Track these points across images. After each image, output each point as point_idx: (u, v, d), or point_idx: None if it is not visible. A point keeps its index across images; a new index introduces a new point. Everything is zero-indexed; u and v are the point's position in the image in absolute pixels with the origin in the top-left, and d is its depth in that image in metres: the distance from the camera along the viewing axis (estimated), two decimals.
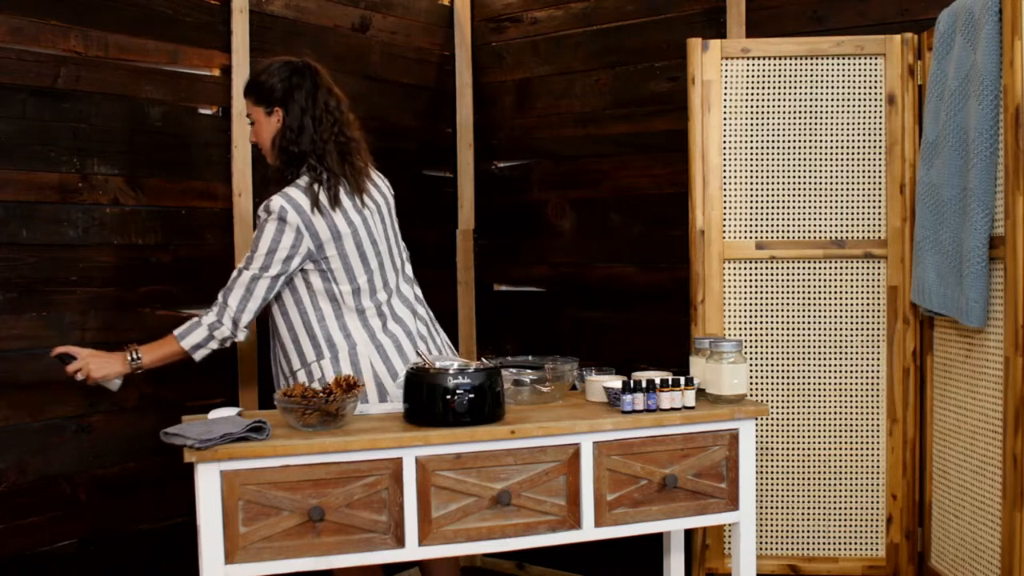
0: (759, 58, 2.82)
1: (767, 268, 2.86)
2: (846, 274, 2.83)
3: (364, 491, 2.09)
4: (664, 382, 2.34)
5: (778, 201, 2.85)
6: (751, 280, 2.87)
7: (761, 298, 2.86)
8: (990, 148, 2.35)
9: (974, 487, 2.51)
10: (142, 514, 2.72)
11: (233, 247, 2.92)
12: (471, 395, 2.17)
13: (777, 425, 2.87)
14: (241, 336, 2.48)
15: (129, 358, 2.41)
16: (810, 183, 2.84)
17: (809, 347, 2.85)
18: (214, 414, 2.23)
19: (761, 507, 2.86)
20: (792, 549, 2.88)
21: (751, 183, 2.85)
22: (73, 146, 2.56)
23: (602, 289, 3.45)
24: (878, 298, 2.82)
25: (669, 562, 2.74)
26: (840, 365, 2.84)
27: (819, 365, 2.85)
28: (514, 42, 3.63)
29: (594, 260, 3.46)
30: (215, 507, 1.99)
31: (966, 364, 2.55)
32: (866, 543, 2.85)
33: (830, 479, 2.85)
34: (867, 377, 2.83)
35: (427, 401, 2.17)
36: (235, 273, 2.47)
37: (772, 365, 2.87)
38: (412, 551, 2.12)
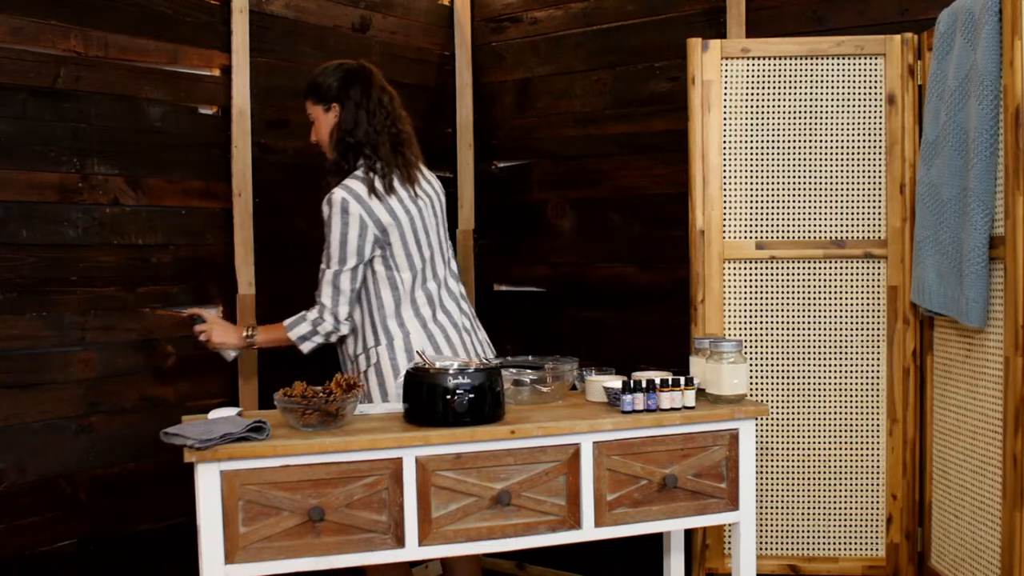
0: (759, 58, 2.82)
1: (767, 268, 2.86)
2: (846, 274, 2.83)
3: (364, 491, 2.09)
4: (664, 382, 2.34)
5: (778, 201, 2.85)
6: (751, 280, 2.87)
7: (761, 298, 2.86)
8: (990, 148, 2.35)
9: (974, 487, 2.51)
10: (142, 514, 2.72)
11: (233, 247, 2.92)
12: (471, 395, 2.17)
13: (777, 425, 2.87)
14: (345, 329, 2.65)
15: (245, 333, 2.66)
16: (810, 183, 2.84)
17: (809, 347, 2.85)
18: (214, 414, 2.23)
19: (761, 507, 2.86)
20: (792, 549, 2.88)
21: (751, 183, 2.85)
22: (73, 146, 2.56)
23: (602, 289, 3.45)
24: (878, 298, 2.82)
25: (669, 562, 2.74)
26: (840, 365, 2.84)
27: (819, 365, 2.85)
28: (514, 42, 3.63)
29: (594, 260, 3.46)
30: (215, 507, 1.99)
31: (966, 364, 2.55)
32: (866, 543, 2.85)
33: (830, 479, 2.85)
34: (867, 377, 2.83)
35: (427, 401, 2.17)
36: (320, 273, 2.64)
37: (772, 365, 2.87)
38: (412, 551, 2.12)
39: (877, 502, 2.83)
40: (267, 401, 2.90)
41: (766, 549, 2.88)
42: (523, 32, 3.60)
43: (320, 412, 2.12)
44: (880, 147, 2.80)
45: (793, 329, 2.86)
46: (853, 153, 2.82)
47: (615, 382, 2.43)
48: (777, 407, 2.86)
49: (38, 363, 2.50)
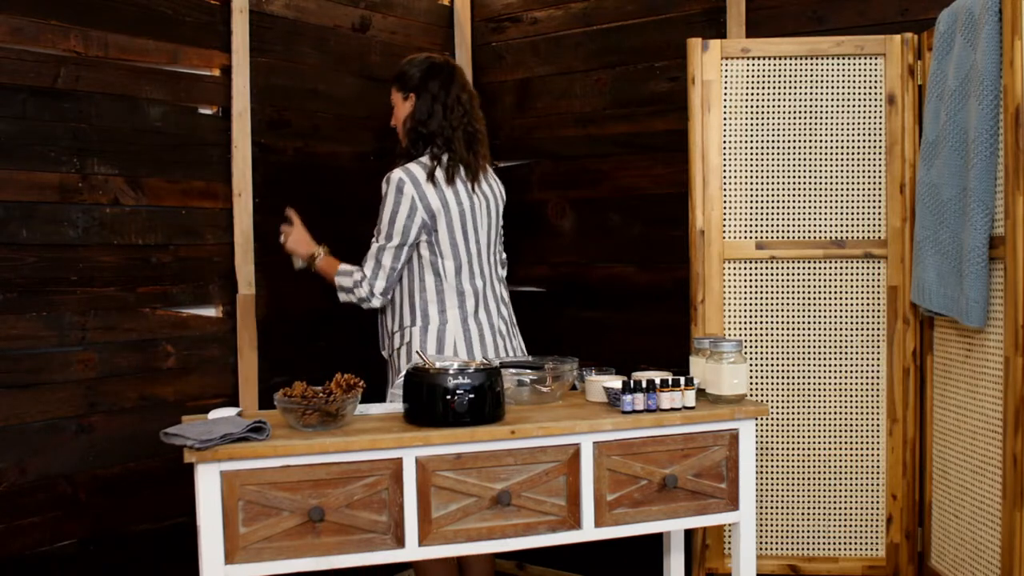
0: (759, 58, 2.82)
1: (767, 268, 2.86)
2: (846, 274, 2.83)
3: (364, 491, 2.09)
4: (664, 382, 2.34)
5: (778, 201, 2.85)
6: (751, 280, 2.87)
7: (761, 298, 2.86)
8: (990, 148, 2.35)
9: (974, 487, 2.51)
10: (142, 514, 2.72)
11: (233, 247, 2.92)
12: (471, 395, 2.17)
13: (777, 425, 2.87)
14: (376, 303, 2.76)
15: (314, 253, 2.84)
16: (810, 183, 2.84)
17: (809, 347, 2.85)
18: (214, 414, 2.23)
19: (761, 507, 2.86)
20: (792, 549, 2.88)
21: (751, 183, 2.85)
22: (73, 146, 2.56)
23: (602, 289, 3.45)
24: (878, 298, 2.82)
25: (669, 562, 2.74)
26: (840, 365, 2.84)
27: (819, 365, 2.85)
28: (514, 42, 3.63)
29: (594, 260, 3.46)
30: (215, 507, 1.99)
31: (966, 364, 2.55)
32: (866, 543, 2.85)
33: (830, 479, 2.85)
34: (867, 377, 2.83)
35: (427, 401, 2.17)
36: (370, 244, 2.76)
37: (772, 365, 2.87)
38: (412, 551, 2.13)
39: (877, 502, 2.83)
40: (267, 401, 2.90)
41: (766, 549, 2.88)
42: (523, 32, 3.60)
43: (320, 412, 2.12)
44: (880, 147, 2.80)
45: (793, 329, 2.86)
46: (853, 153, 2.82)
47: (615, 382, 2.43)
48: (777, 407, 2.86)
49: (38, 363, 2.50)
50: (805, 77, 2.82)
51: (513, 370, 2.47)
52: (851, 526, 2.85)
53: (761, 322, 2.87)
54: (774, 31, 3.04)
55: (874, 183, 2.81)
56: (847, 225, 2.83)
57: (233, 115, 2.91)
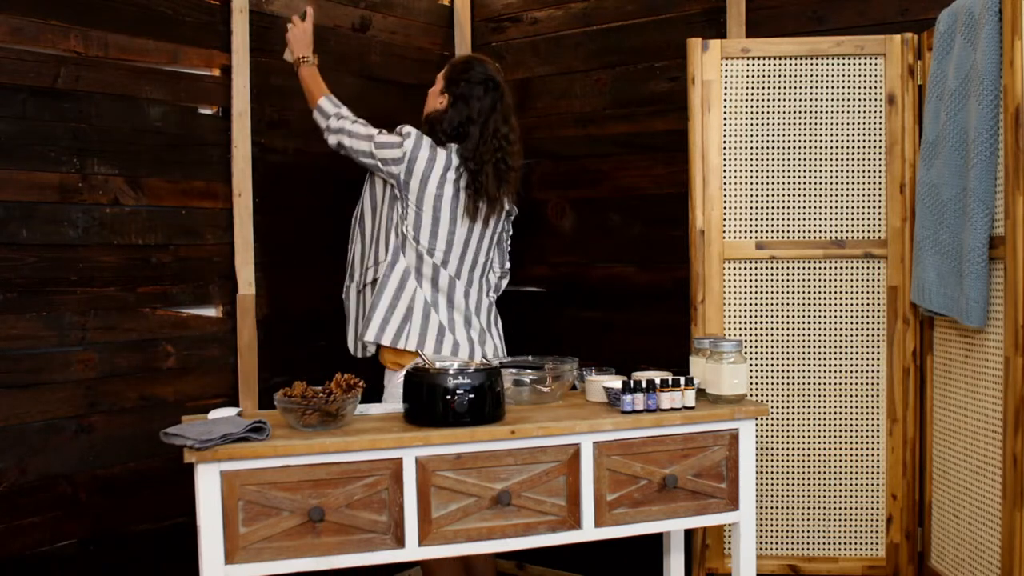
0: (759, 58, 2.82)
1: (767, 268, 2.86)
2: (846, 274, 2.83)
3: (364, 491, 2.09)
4: (664, 382, 2.34)
5: (778, 201, 2.85)
6: (751, 280, 2.87)
7: (761, 298, 2.86)
8: (990, 148, 2.35)
9: (974, 487, 2.51)
10: (142, 514, 2.72)
11: (233, 247, 2.92)
12: (471, 395, 2.17)
13: (777, 425, 2.87)
14: (333, 141, 2.79)
15: (305, 56, 2.85)
16: (810, 183, 2.84)
17: (809, 347, 2.85)
18: (214, 414, 2.23)
19: (761, 507, 2.86)
20: (792, 549, 2.88)
21: (751, 183, 2.85)
22: (73, 146, 2.56)
23: (602, 289, 3.45)
24: (878, 298, 2.82)
25: (669, 562, 2.74)
26: (840, 365, 2.84)
27: (819, 365, 2.85)
28: (514, 42, 3.63)
29: (594, 260, 3.46)
30: (215, 507, 1.99)
31: (966, 364, 2.55)
32: (866, 543, 2.85)
33: (830, 479, 2.85)
34: (867, 377, 2.83)
35: (427, 401, 2.17)
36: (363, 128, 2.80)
37: (772, 365, 2.87)
38: (412, 551, 2.13)
39: (877, 502, 2.83)
40: (267, 401, 2.90)
41: (766, 549, 2.88)
42: (523, 32, 3.60)
43: (320, 412, 2.12)
44: (880, 147, 2.80)
45: (793, 329, 2.86)
46: (853, 153, 2.82)
47: (615, 382, 2.43)
48: (777, 407, 2.86)
49: (38, 363, 2.50)
50: (805, 77, 2.82)
51: (513, 370, 2.47)
52: (851, 526, 2.85)
53: (761, 322, 2.87)
54: (774, 31, 3.04)
55: (874, 183, 2.81)
56: (847, 225, 2.83)
57: (233, 115, 2.90)
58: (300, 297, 3.13)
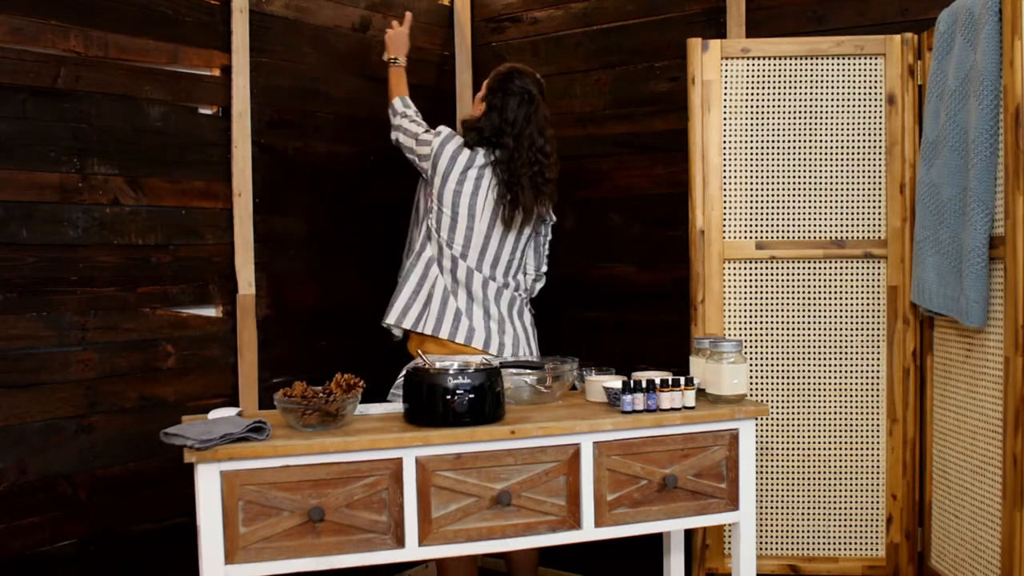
0: (759, 58, 2.82)
1: (767, 268, 2.86)
2: (846, 274, 2.83)
3: (364, 491, 2.09)
4: (664, 382, 2.34)
5: (778, 201, 2.85)
6: (751, 280, 2.87)
7: (761, 298, 2.86)
8: (990, 148, 2.35)
9: (974, 487, 2.51)
10: (142, 514, 2.72)
11: (233, 247, 2.92)
12: (471, 395, 2.17)
13: (777, 425, 2.87)
14: (394, 136, 3.01)
15: (396, 58, 3.11)
16: (810, 183, 2.84)
17: (809, 347, 2.85)
18: (214, 414, 2.23)
19: (761, 507, 2.86)
20: (792, 549, 2.88)
21: (751, 183, 2.85)
22: (73, 146, 2.56)
23: (602, 289, 3.45)
24: (878, 298, 2.82)
25: (669, 562, 2.74)
26: (840, 365, 2.84)
27: (819, 365, 2.85)
28: (514, 42, 3.63)
29: (594, 260, 3.45)
30: (215, 507, 1.99)
31: (966, 364, 2.55)
32: (866, 543, 2.85)
33: (830, 479, 2.85)
34: (867, 377, 2.83)
35: (427, 401, 2.17)
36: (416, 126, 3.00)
37: (772, 365, 2.87)
38: (412, 551, 2.13)
39: (877, 502, 2.83)
40: (267, 401, 2.90)
41: (766, 549, 2.88)
42: (523, 32, 3.60)
43: (320, 412, 2.12)
44: (880, 147, 2.80)
45: (793, 329, 2.86)
46: (853, 153, 2.82)
47: (615, 382, 2.43)
48: (777, 407, 2.86)
49: (38, 363, 2.50)
50: (805, 77, 2.82)
51: (513, 370, 2.47)
52: (851, 526, 2.85)
53: (761, 322, 2.87)
54: (774, 31, 3.04)
55: (874, 183, 2.81)
56: (847, 225, 2.83)
57: (233, 115, 2.90)
58: (300, 297, 3.13)
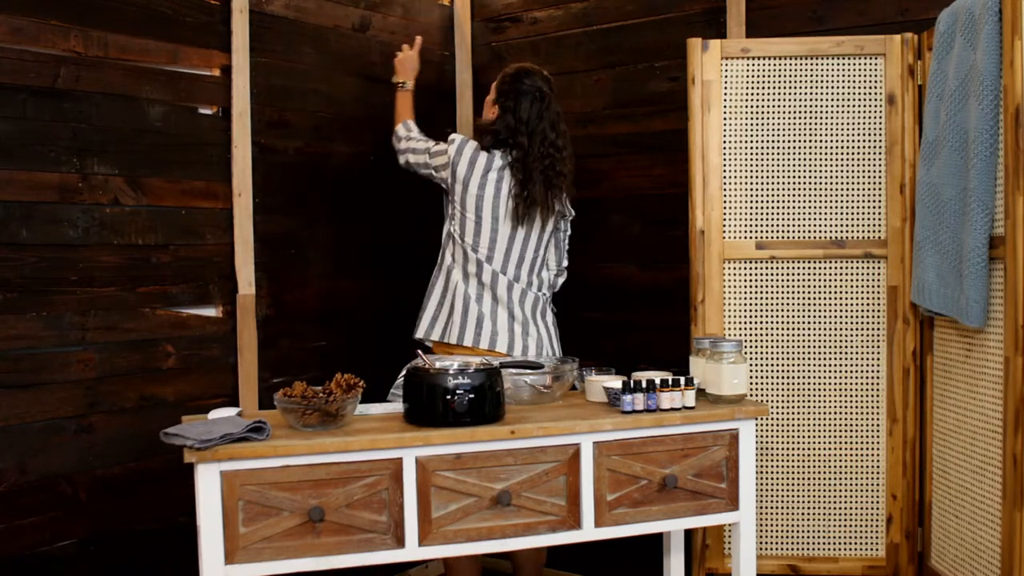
0: (759, 58, 2.82)
1: (767, 268, 2.86)
2: (846, 274, 2.83)
3: (364, 491, 2.09)
4: (664, 382, 2.34)
5: (778, 201, 2.85)
6: (751, 280, 2.87)
7: (761, 298, 2.86)
8: (990, 148, 2.35)
9: (974, 487, 2.51)
10: (143, 514, 2.72)
11: (233, 247, 2.92)
12: (471, 395, 2.17)
13: (777, 425, 2.87)
14: (402, 160, 3.03)
15: (404, 82, 3.13)
16: (810, 183, 2.84)
17: (809, 347, 2.85)
18: (214, 414, 2.23)
19: (761, 507, 2.86)
20: (792, 549, 2.88)
21: (751, 183, 2.85)
22: (73, 146, 2.56)
23: (602, 289, 3.45)
24: (878, 298, 2.82)
25: (669, 562, 2.74)
26: (840, 365, 2.84)
27: (819, 365, 2.85)
28: (514, 42, 3.63)
29: (594, 260, 3.45)
30: (215, 507, 1.99)
31: (966, 364, 2.55)
32: (866, 543, 2.85)
33: (830, 479, 2.85)
34: (867, 377, 2.83)
35: (427, 401, 2.17)
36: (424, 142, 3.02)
37: (772, 365, 2.87)
38: (412, 551, 2.13)
39: (877, 502, 2.83)
40: (267, 401, 2.90)
41: (766, 549, 2.88)
42: (523, 32, 3.60)
43: (320, 412, 2.12)
44: (880, 147, 2.80)
45: (793, 329, 2.86)
46: (853, 153, 2.82)
47: (615, 382, 2.43)
48: (777, 407, 2.86)
49: (38, 363, 2.50)
50: (805, 77, 2.82)
51: (513, 370, 2.47)
52: (851, 526, 2.85)
53: (761, 322, 2.87)
54: (774, 31, 3.04)
55: (874, 183, 2.81)
56: (847, 225, 2.83)
57: (233, 115, 2.90)
58: (300, 297, 3.13)
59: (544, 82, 2.92)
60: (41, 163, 2.50)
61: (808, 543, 2.87)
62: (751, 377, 2.85)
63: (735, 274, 2.86)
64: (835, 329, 2.84)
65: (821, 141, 2.83)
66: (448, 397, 2.15)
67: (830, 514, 2.86)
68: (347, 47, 3.30)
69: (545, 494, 2.21)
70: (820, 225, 2.84)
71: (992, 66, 2.32)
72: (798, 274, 2.85)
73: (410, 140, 3.03)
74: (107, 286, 2.64)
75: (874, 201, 2.81)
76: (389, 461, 2.10)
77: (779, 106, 2.83)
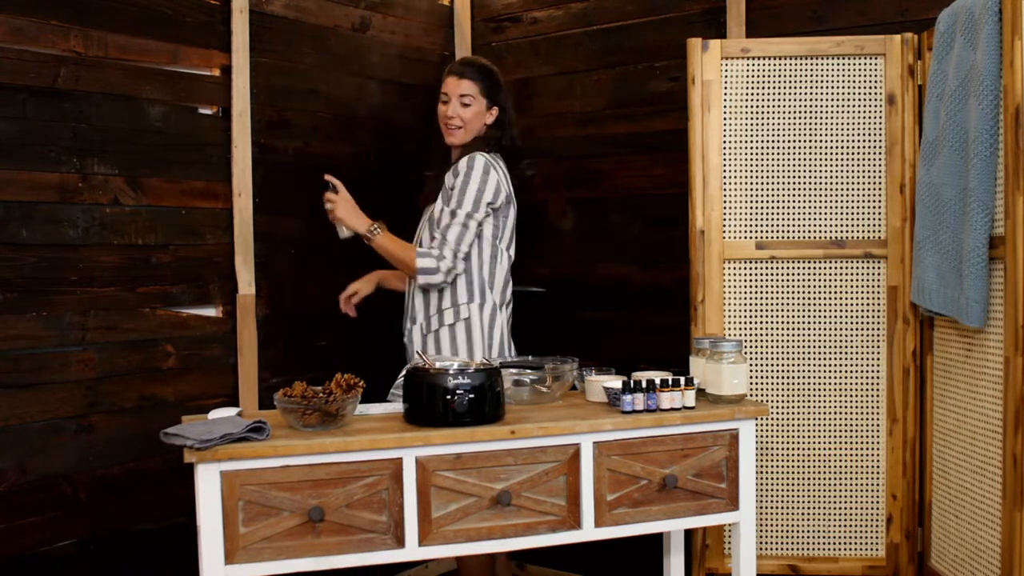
0: (759, 58, 2.82)
1: (767, 268, 2.86)
2: (846, 274, 2.83)
3: (364, 491, 2.09)
4: (664, 382, 2.34)
5: (778, 201, 2.85)
6: (751, 280, 2.87)
7: (761, 298, 2.86)
8: (990, 148, 2.35)
9: (974, 487, 2.51)
10: (142, 514, 2.73)
11: (233, 247, 2.92)
12: (471, 395, 2.17)
13: (777, 425, 2.87)
14: (460, 268, 2.77)
15: (371, 226, 2.75)
16: (810, 183, 2.84)
17: (809, 347, 2.85)
18: (214, 414, 2.23)
19: (761, 507, 2.86)
20: (792, 549, 2.88)
21: (751, 183, 2.85)
22: (73, 146, 2.56)
23: (602, 289, 3.45)
24: (878, 298, 2.82)
25: (669, 562, 2.74)
26: (840, 365, 2.84)
27: (819, 365, 2.85)
28: (514, 42, 3.63)
29: (594, 260, 3.46)
30: (215, 507, 1.99)
31: (966, 364, 2.55)
32: (866, 543, 2.85)
33: (830, 479, 2.85)
34: (867, 377, 2.83)
35: (427, 401, 2.17)
36: (446, 218, 2.74)
37: (772, 365, 2.87)
38: (412, 551, 2.13)
39: (877, 502, 2.83)
40: (267, 401, 2.90)
41: (766, 549, 2.88)
42: (523, 32, 3.60)
43: (320, 412, 2.12)
44: (880, 147, 2.80)
45: (793, 329, 2.86)
46: (853, 153, 2.82)
47: (615, 382, 2.43)
48: (777, 407, 2.86)
49: (38, 363, 2.50)
50: (805, 77, 2.82)
51: (513, 370, 2.47)
52: (851, 526, 2.85)
53: (761, 322, 2.87)
54: (774, 31, 3.04)
55: (874, 183, 2.81)
56: (847, 225, 2.83)
57: (233, 115, 2.91)
58: (300, 297, 3.13)
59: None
60: (41, 163, 2.50)
61: (808, 543, 2.87)
62: (751, 377, 2.85)
63: (735, 274, 2.87)
64: (835, 329, 2.84)
65: (821, 141, 2.83)
66: (448, 397, 2.15)
67: (830, 514, 2.86)
68: (347, 47, 3.30)
69: (545, 494, 2.21)
70: (820, 225, 2.84)
71: (992, 66, 2.32)
72: (798, 274, 2.85)
73: (444, 259, 2.71)
74: (107, 286, 2.64)
75: (874, 201, 2.81)
76: (389, 461, 2.10)
77: (779, 106, 2.83)
